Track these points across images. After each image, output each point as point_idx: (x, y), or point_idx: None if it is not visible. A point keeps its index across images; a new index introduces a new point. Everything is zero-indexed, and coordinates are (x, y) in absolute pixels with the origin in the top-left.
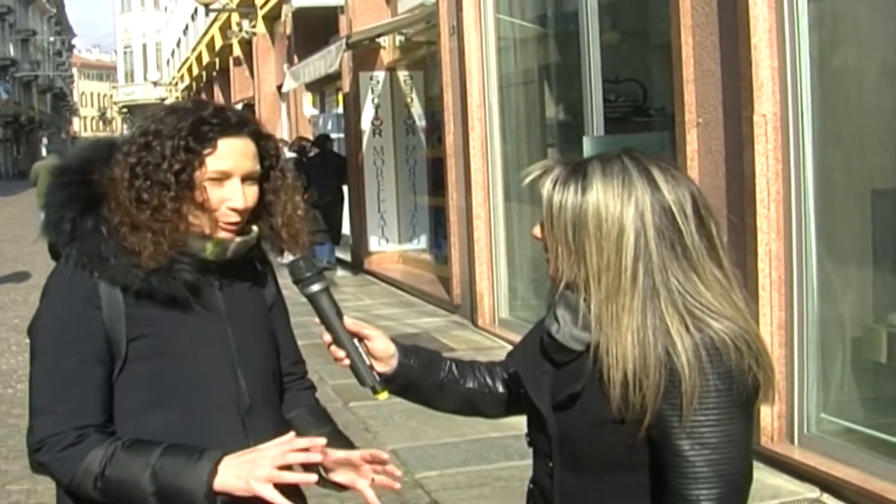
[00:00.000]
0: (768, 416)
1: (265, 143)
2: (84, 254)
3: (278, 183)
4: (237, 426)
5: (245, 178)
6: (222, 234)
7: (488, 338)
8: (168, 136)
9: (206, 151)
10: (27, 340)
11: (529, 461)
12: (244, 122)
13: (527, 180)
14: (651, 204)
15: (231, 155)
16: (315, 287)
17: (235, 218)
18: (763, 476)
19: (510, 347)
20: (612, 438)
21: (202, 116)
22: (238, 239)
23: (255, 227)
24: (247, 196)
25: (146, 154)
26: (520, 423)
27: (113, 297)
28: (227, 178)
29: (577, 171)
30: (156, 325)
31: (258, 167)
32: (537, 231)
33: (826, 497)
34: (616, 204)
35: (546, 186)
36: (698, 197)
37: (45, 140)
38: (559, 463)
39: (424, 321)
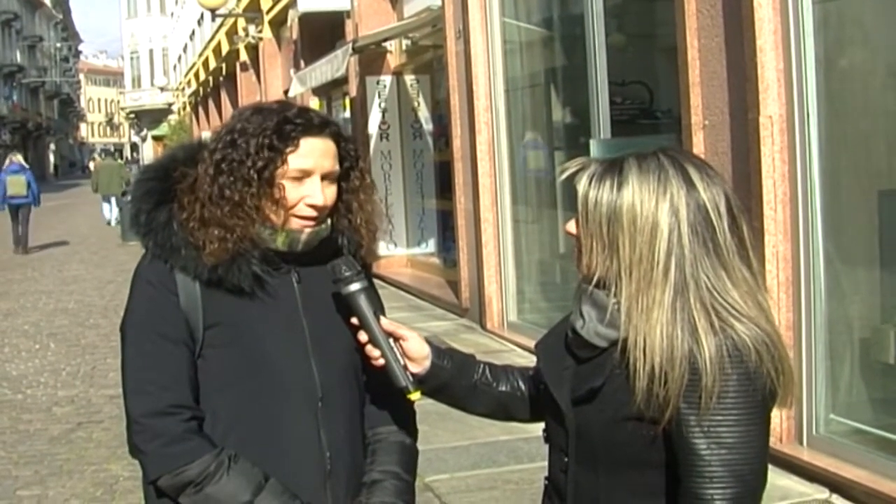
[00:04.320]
0: (777, 417)
1: (345, 145)
2: (158, 245)
3: (357, 183)
4: (309, 417)
5: (324, 177)
6: (294, 226)
7: (497, 341)
8: (253, 135)
9: (288, 150)
10: (37, 346)
11: (539, 464)
12: (326, 124)
13: (563, 176)
14: (686, 201)
15: (312, 154)
16: (354, 286)
17: (313, 213)
18: (772, 477)
19: (519, 351)
20: (628, 436)
21: (286, 116)
22: (308, 230)
23: (328, 221)
24: (325, 194)
25: (231, 151)
26: (530, 426)
27: (189, 286)
28: (308, 176)
29: (613, 167)
30: (230, 314)
31: (338, 167)
32: (571, 227)
33: (835, 498)
34: (651, 200)
35: (582, 183)
36: (731, 196)
37: (52, 146)
38: (574, 458)
39: (433, 325)
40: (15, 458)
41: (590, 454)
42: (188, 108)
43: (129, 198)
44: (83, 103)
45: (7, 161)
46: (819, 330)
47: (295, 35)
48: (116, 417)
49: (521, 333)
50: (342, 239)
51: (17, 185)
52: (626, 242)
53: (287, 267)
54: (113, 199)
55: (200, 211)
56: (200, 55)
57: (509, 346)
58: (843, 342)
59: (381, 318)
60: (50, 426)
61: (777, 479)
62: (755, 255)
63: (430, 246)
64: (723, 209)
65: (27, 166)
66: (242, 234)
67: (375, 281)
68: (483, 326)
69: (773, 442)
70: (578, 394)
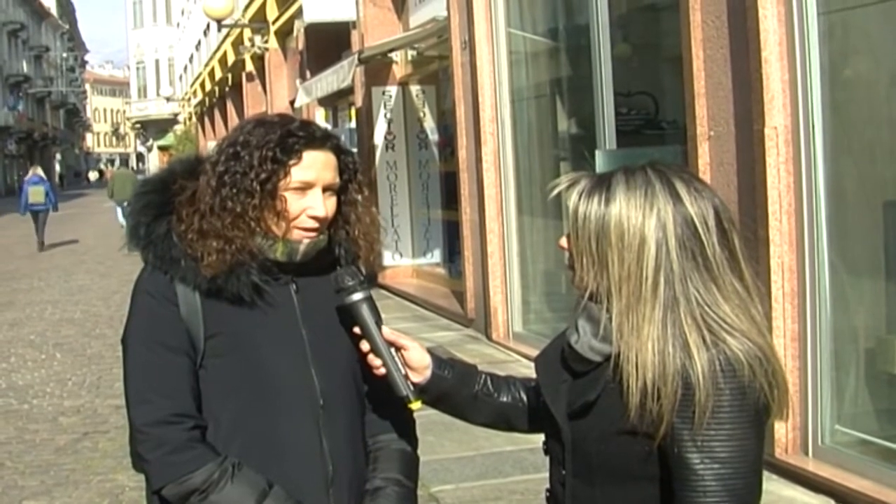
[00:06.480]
0: (782, 427)
1: (344, 157)
2: (158, 256)
3: (355, 196)
4: (311, 425)
5: (325, 189)
6: (294, 237)
7: (502, 351)
8: (256, 147)
9: (291, 162)
10: (43, 356)
11: (545, 475)
12: (327, 137)
13: (554, 192)
14: (673, 215)
15: (314, 166)
16: (357, 296)
17: (314, 225)
18: (777, 488)
19: (524, 361)
20: (623, 449)
21: (289, 129)
22: (307, 240)
23: (326, 232)
24: (326, 206)
25: (235, 163)
26: (535, 436)
27: (189, 297)
28: (310, 187)
29: (601, 182)
30: (230, 323)
31: (338, 179)
32: (563, 242)
33: None
34: (638, 215)
35: (572, 198)
36: (721, 209)
37: (58, 156)
38: (571, 471)
39: (439, 335)
40: (21, 468)
41: (586, 467)
42: (194, 119)
43: None
44: (89, 113)
45: (29, 173)
46: (824, 340)
47: (301, 45)
48: (122, 427)
49: (526, 344)
50: (339, 249)
51: (37, 194)
52: (615, 258)
53: (285, 277)
54: (122, 206)
55: (199, 223)
56: (206, 65)
57: (514, 357)
58: (848, 352)
59: (383, 327)
60: (56, 436)
61: (782, 489)
62: (748, 268)
63: (436, 256)
64: (711, 223)
65: (46, 178)
66: (241, 245)
67: (380, 291)
68: (488, 337)
69: (779, 452)
70: (574, 408)
